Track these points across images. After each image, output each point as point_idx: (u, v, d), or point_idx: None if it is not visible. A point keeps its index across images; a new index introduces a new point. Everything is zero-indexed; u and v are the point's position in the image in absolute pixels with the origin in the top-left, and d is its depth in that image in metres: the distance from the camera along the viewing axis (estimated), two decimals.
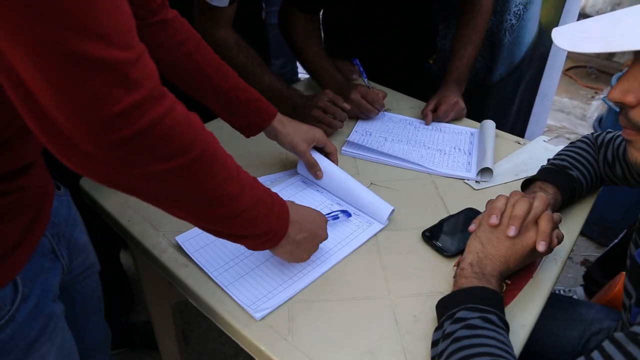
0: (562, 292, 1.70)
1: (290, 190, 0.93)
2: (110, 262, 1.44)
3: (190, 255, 0.76)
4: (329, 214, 0.82)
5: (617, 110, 1.72)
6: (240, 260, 0.75)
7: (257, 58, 1.08)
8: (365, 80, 1.21)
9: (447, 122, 1.18)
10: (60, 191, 0.69)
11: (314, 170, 0.90)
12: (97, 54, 0.37)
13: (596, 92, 3.22)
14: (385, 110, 1.21)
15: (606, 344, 0.48)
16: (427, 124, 1.17)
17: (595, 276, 1.59)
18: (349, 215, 0.84)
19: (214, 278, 0.72)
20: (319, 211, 0.73)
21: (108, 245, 1.39)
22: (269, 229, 0.60)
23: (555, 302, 0.96)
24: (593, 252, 2.00)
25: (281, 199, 0.63)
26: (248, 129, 0.88)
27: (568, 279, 1.90)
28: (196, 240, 0.78)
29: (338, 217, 0.83)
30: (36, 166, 0.60)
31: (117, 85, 0.38)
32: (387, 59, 1.39)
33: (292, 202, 0.67)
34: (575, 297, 1.65)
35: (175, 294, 1.16)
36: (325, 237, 0.73)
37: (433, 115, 1.16)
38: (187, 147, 0.45)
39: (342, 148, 1.06)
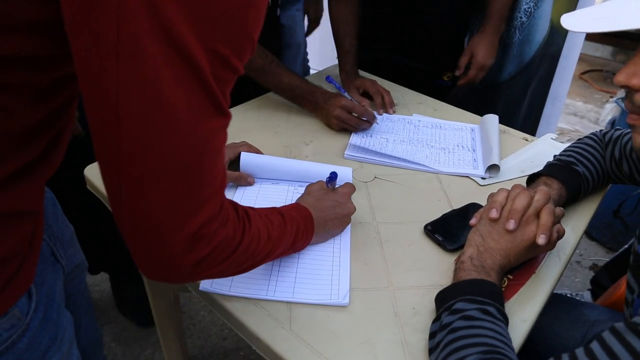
0: (568, 295, 1.68)
1: (250, 193, 0.89)
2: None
3: (229, 294, 0.68)
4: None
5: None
6: (276, 270, 0.72)
7: (275, 59, 1.09)
8: (346, 93, 1.15)
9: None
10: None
11: (243, 181, 0.90)
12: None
13: (611, 96, 3.18)
14: (394, 107, 1.20)
15: (606, 334, 0.47)
16: (459, 76, 1.29)
17: (603, 281, 1.57)
18: (335, 175, 0.80)
19: (272, 299, 0.67)
20: (340, 192, 0.78)
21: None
22: (298, 246, 0.69)
23: (559, 303, 0.95)
24: (603, 257, 1.97)
25: (304, 210, 0.69)
26: None
27: (576, 283, 1.88)
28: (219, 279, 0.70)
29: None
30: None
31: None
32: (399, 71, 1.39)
33: (317, 199, 0.74)
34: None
35: (177, 285, 1.18)
36: (353, 211, 0.78)
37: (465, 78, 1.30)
38: (236, 248, 0.52)
39: (345, 152, 1.02)
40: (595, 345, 0.47)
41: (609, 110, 2.16)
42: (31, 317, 0.54)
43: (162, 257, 0.45)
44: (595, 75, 3.44)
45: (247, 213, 0.55)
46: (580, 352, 0.48)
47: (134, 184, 0.41)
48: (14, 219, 0.50)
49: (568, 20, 0.56)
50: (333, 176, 0.77)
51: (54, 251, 0.63)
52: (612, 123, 1.87)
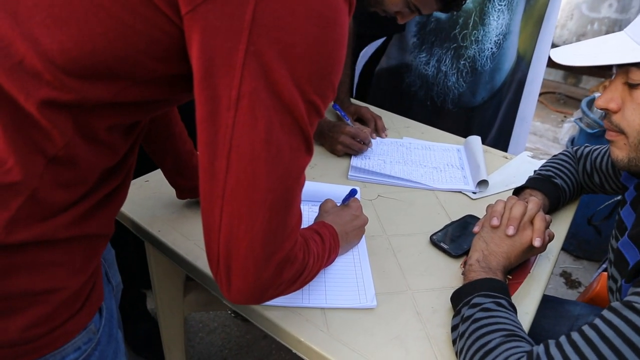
0: None
1: None
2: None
3: (267, 304, 0.72)
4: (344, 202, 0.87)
5: (588, 131, 1.86)
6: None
7: None
8: (349, 121, 1.25)
9: None
10: None
11: None
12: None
13: (565, 116, 3.44)
14: (386, 131, 1.31)
15: (605, 312, 0.58)
16: None
17: None
18: (355, 192, 0.88)
19: (307, 306, 0.74)
20: (353, 206, 0.85)
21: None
22: (331, 260, 0.76)
23: (545, 302, 1.05)
24: (571, 265, 2.14)
25: (330, 227, 0.76)
26: (190, 192, 0.93)
27: (549, 289, 2.02)
28: None
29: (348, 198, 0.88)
30: None
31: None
32: None
33: (336, 215, 0.81)
34: None
35: (188, 306, 1.22)
36: (366, 222, 0.86)
37: None
38: (304, 268, 0.60)
39: (349, 174, 1.11)
40: (598, 321, 0.57)
41: (567, 129, 2.36)
42: (101, 333, 0.60)
43: (256, 280, 0.50)
44: (549, 97, 3.72)
45: (304, 235, 0.63)
46: (586, 328, 0.58)
47: (237, 216, 0.47)
48: (102, 239, 0.56)
49: (558, 56, 0.68)
50: (353, 192, 0.86)
51: (107, 272, 0.69)
52: (572, 141, 2.06)
